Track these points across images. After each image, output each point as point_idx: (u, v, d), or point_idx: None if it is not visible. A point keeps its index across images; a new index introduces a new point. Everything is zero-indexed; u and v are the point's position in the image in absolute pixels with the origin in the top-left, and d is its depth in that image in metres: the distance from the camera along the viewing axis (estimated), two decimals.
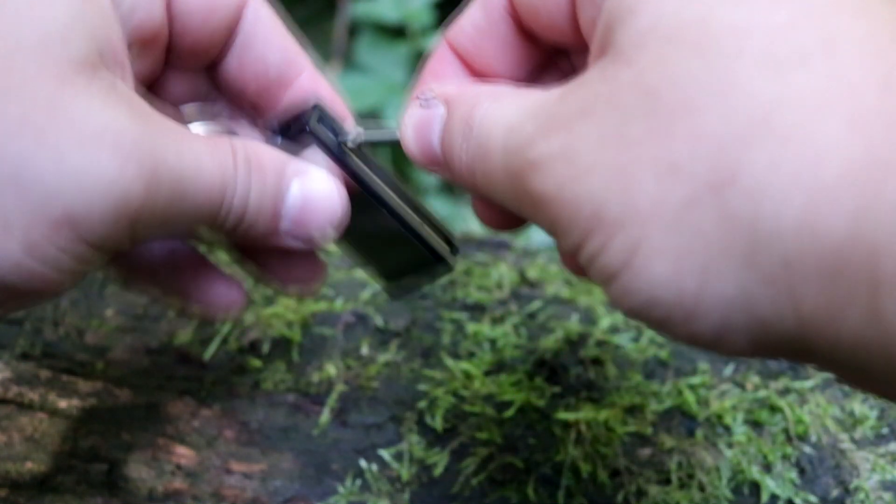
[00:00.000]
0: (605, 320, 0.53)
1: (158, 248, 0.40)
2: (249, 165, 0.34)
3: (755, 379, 0.50)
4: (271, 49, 0.39)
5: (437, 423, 0.49)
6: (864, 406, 0.49)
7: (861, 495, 0.46)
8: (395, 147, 0.37)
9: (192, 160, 0.32)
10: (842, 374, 0.26)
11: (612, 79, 0.27)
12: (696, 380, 0.50)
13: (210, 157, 0.33)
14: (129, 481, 0.46)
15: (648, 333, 0.53)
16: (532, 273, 0.56)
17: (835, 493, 0.47)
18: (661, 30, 0.26)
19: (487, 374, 0.51)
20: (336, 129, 0.38)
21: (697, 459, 0.48)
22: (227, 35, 0.38)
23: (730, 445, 0.48)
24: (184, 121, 0.38)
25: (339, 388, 0.50)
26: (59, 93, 0.29)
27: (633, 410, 0.49)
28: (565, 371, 0.51)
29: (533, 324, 0.53)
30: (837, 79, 0.23)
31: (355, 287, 0.55)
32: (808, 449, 0.48)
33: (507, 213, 0.36)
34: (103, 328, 0.51)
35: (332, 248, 0.46)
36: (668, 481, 0.47)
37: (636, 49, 0.26)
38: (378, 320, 0.53)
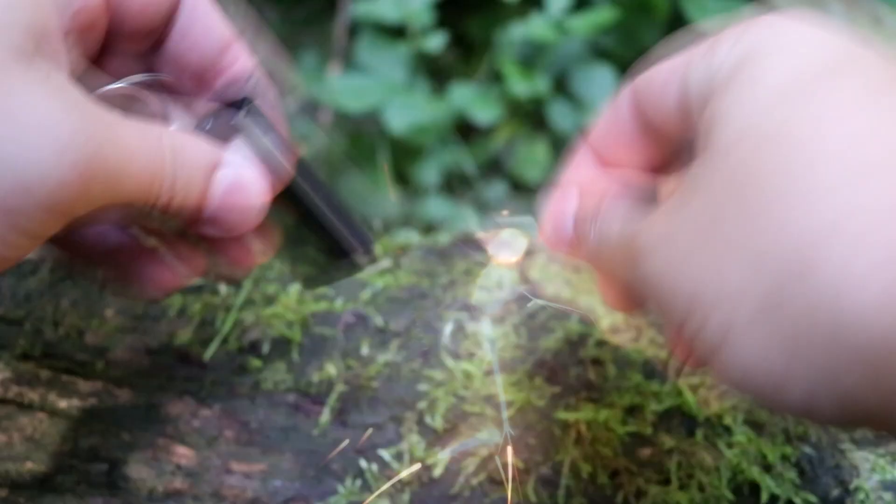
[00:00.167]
0: (605, 320, 0.53)
1: (94, 231, 0.41)
2: (176, 156, 0.35)
3: None
4: (208, 36, 0.40)
5: (437, 423, 0.49)
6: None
7: (861, 495, 0.46)
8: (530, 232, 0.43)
9: (124, 150, 0.33)
10: None
11: (707, 175, 0.30)
12: (696, 380, 0.50)
13: (141, 147, 0.34)
14: (129, 481, 0.46)
15: (648, 333, 0.53)
16: (532, 273, 0.56)
17: (835, 493, 0.47)
18: (751, 133, 0.29)
19: (487, 374, 0.51)
20: (264, 123, 0.39)
21: (697, 459, 0.48)
22: (166, 21, 0.39)
23: (730, 445, 0.48)
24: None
25: (339, 388, 0.50)
26: None
27: (632, 410, 0.49)
28: (565, 371, 0.51)
29: (533, 324, 0.53)
30: None
31: (355, 287, 0.55)
32: (808, 449, 0.48)
33: (627, 295, 0.40)
34: (103, 328, 0.51)
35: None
36: (668, 481, 0.47)
37: (728, 150, 0.30)
38: (378, 320, 0.53)
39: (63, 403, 0.48)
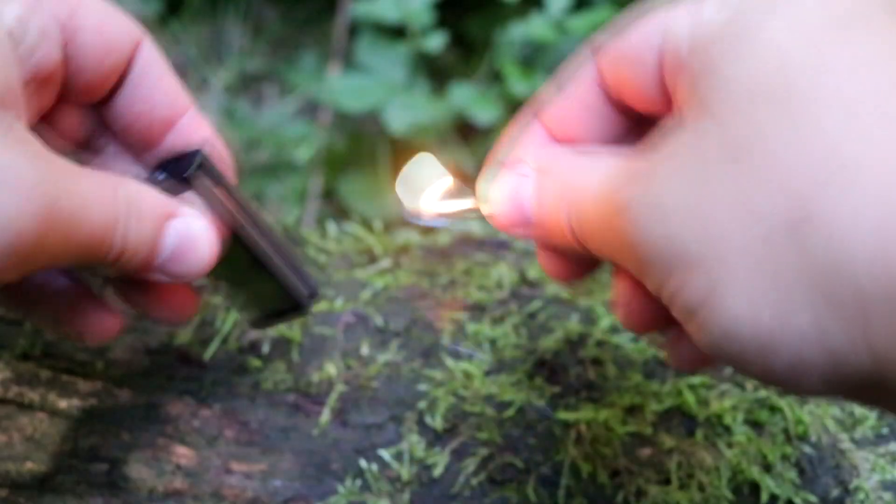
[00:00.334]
0: (606, 320, 0.53)
1: (37, 277, 0.41)
2: (131, 206, 0.36)
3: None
4: (159, 90, 0.41)
5: (437, 423, 0.49)
6: (864, 406, 0.49)
7: (861, 495, 0.46)
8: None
9: (81, 200, 0.34)
10: None
11: (695, 130, 0.29)
12: (696, 380, 0.50)
13: (97, 197, 0.35)
14: (129, 481, 0.47)
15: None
16: (532, 273, 0.56)
17: (835, 493, 0.47)
18: (743, 84, 0.28)
19: (487, 374, 0.51)
20: (214, 174, 0.41)
21: (697, 459, 0.48)
22: (120, 75, 0.40)
23: (730, 445, 0.48)
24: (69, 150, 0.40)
25: (339, 388, 0.50)
26: None
27: (632, 410, 0.49)
28: (565, 371, 0.51)
29: (533, 324, 0.53)
30: None
31: (355, 287, 0.55)
32: (808, 449, 0.48)
33: (572, 263, 0.39)
34: None
35: (202, 280, 0.49)
36: (668, 481, 0.47)
37: (719, 103, 0.28)
38: (378, 320, 0.53)
39: (63, 403, 0.48)
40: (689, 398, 0.49)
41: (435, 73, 1.26)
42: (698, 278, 0.28)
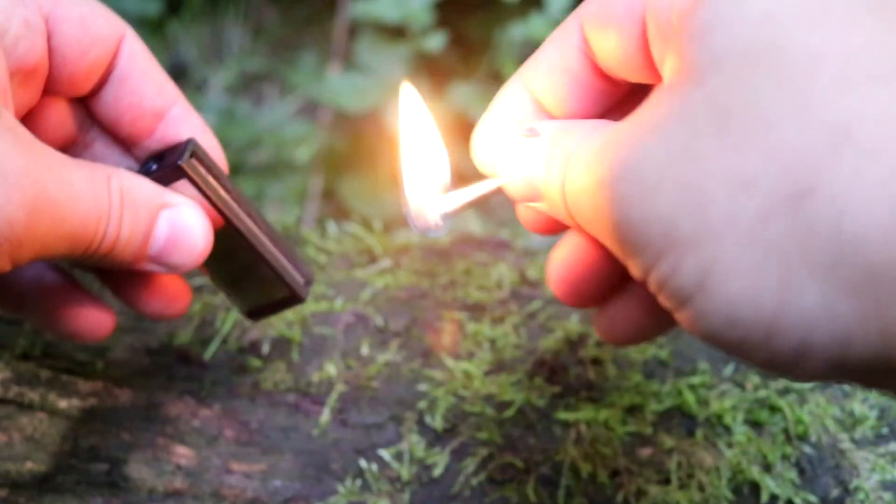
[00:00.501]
0: None
1: (27, 272, 0.41)
2: (124, 197, 0.36)
3: (755, 379, 0.50)
4: (145, 82, 0.41)
5: (437, 423, 0.49)
6: (864, 406, 0.49)
7: (861, 495, 0.46)
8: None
9: (71, 190, 0.34)
10: None
11: (681, 96, 0.27)
12: (696, 380, 0.50)
13: (87, 187, 0.35)
14: (129, 481, 0.47)
15: None
16: (532, 273, 0.56)
17: (835, 493, 0.47)
18: (734, 50, 0.26)
19: (487, 374, 0.51)
20: (207, 163, 0.40)
21: (697, 459, 0.48)
22: (104, 68, 0.40)
23: (730, 445, 0.48)
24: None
25: (339, 388, 0.50)
26: None
27: (632, 410, 0.49)
28: (565, 371, 0.51)
29: (533, 324, 0.53)
30: None
31: (355, 287, 0.55)
32: (808, 449, 0.48)
33: (548, 218, 0.36)
34: None
35: (196, 272, 0.49)
36: (668, 481, 0.47)
37: (708, 69, 0.26)
38: (378, 320, 0.53)
39: (63, 403, 0.48)
40: (689, 398, 0.49)
41: (435, 73, 1.26)
42: (692, 261, 0.26)
